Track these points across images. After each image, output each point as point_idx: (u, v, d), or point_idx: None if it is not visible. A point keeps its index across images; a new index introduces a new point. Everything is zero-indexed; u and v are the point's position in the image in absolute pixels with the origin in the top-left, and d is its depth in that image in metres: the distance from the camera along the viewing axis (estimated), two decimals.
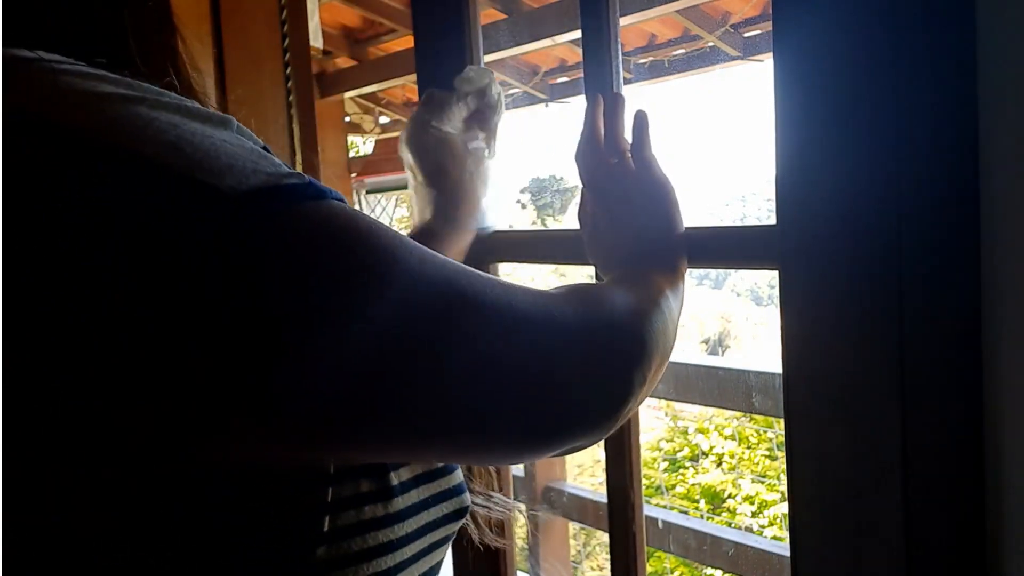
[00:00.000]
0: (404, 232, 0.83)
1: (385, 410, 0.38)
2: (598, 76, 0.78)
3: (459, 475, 0.52)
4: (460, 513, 0.51)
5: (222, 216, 0.34)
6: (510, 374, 0.42)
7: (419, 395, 0.38)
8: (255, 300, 0.34)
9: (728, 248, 0.72)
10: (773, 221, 0.62)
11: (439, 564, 0.51)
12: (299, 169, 1.96)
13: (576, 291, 0.50)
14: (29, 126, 0.33)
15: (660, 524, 2.61)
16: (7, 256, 0.31)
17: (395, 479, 0.45)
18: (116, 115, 0.35)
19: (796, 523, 0.63)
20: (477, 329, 0.40)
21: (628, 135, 0.73)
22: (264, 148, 0.40)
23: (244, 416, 0.35)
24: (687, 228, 0.71)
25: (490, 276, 0.44)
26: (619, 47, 0.78)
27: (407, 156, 0.82)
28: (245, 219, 0.34)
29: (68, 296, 0.32)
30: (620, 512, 0.82)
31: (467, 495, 0.52)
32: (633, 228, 0.70)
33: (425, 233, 0.81)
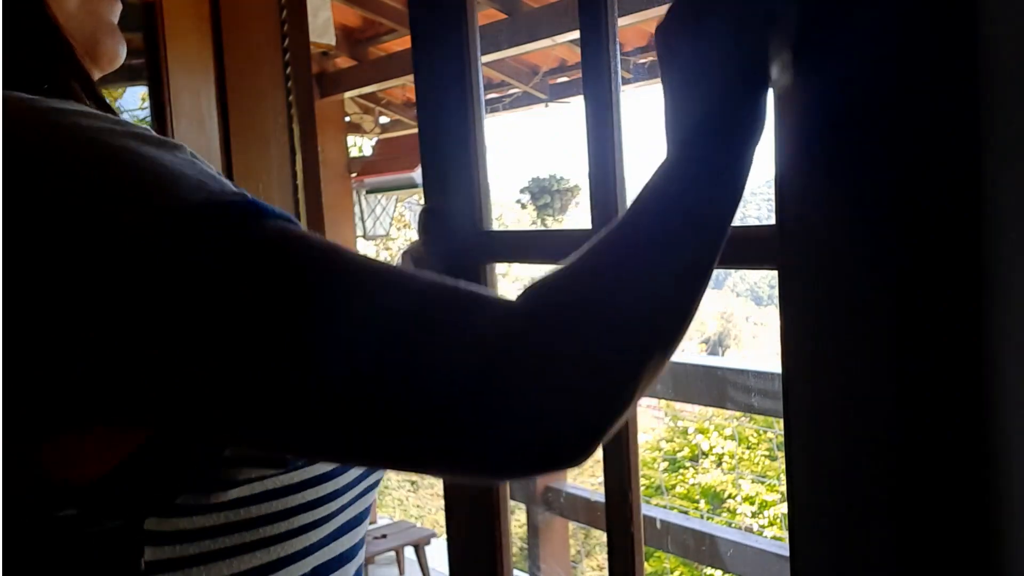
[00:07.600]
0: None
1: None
2: (597, 76, 0.78)
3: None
4: None
5: (171, 231, 0.39)
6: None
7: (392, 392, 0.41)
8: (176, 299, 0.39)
9: (728, 248, 0.71)
10: (773, 221, 0.62)
11: None
12: (299, 168, 1.96)
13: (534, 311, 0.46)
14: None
15: (659, 524, 2.61)
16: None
17: None
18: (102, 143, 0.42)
19: (796, 523, 0.63)
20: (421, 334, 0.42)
21: (626, 136, 0.73)
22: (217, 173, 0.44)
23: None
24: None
25: (423, 286, 0.44)
26: (617, 47, 0.78)
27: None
28: (188, 234, 0.39)
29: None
30: (618, 512, 0.82)
31: None
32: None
33: None
